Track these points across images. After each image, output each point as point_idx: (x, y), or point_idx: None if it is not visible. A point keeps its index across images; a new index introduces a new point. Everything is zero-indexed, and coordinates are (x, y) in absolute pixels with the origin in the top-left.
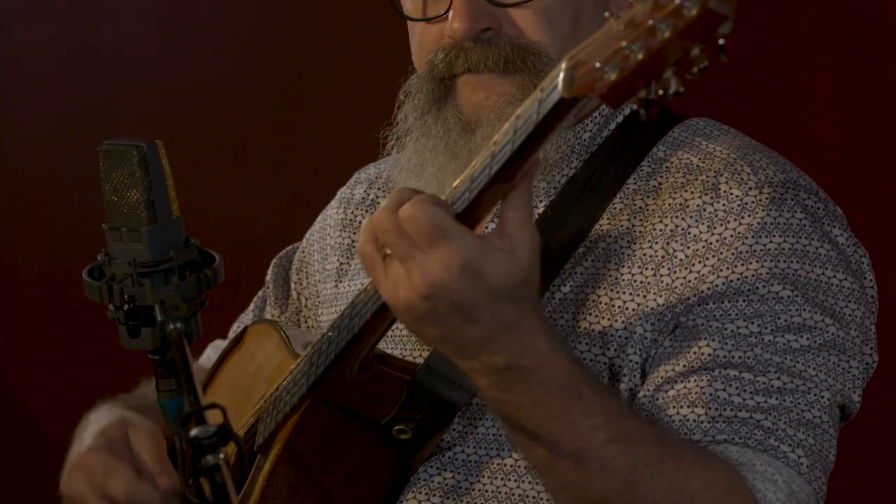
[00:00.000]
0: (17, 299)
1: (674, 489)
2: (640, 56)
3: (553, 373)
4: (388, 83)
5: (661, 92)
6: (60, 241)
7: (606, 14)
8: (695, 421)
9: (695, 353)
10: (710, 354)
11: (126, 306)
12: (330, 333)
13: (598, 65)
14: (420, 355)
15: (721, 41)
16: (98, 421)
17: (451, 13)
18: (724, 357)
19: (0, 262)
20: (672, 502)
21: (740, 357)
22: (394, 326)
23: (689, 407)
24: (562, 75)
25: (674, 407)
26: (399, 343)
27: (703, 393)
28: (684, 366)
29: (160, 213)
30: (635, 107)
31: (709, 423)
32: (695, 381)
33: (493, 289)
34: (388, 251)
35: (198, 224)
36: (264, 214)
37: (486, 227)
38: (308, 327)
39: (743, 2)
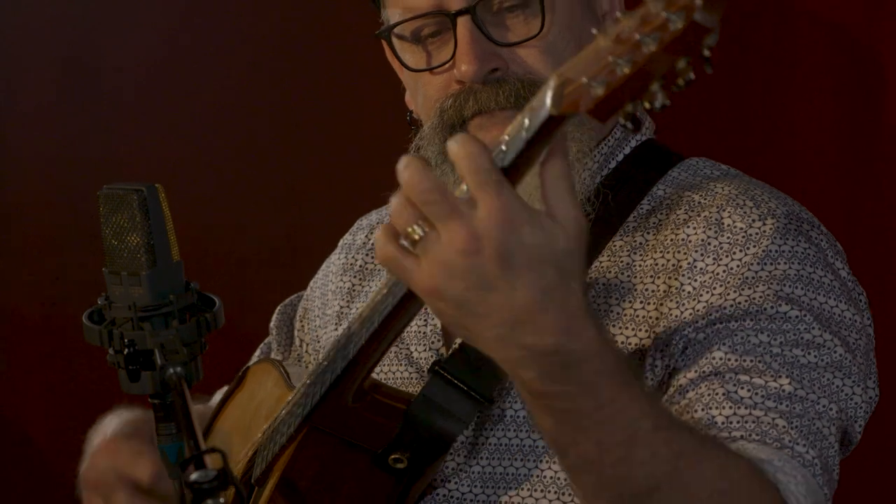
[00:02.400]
0: (17, 343)
1: (716, 475)
2: (626, 70)
3: (603, 358)
4: (399, 135)
5: (647, 105)
6: (60, 286)
7: (594, 30)
8: (709, 420)
9: (706, 360)
10: (720, 359)
11: (126, 350)
12: (325, 362)
13: (585, 80)
14: (416, 388)
15: (707, 53)
16: (120, 415)
17: (456, 57)
18: (735, 362)
19: (1, 308)
20: (714, 488)
21: (751, 362)
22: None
23: (703, 410)
24: (550, 92)
25: (687, 412)
26: (399, 385)
27: (716, 394)
28: (696, 372)
29: (160, 257)
30: (622, 119)
31: (724, 421)
32: (706, 385)
33: (538, 249)
34: (415, 236)
35: (198, 268)
36: (265, 259)
37: None
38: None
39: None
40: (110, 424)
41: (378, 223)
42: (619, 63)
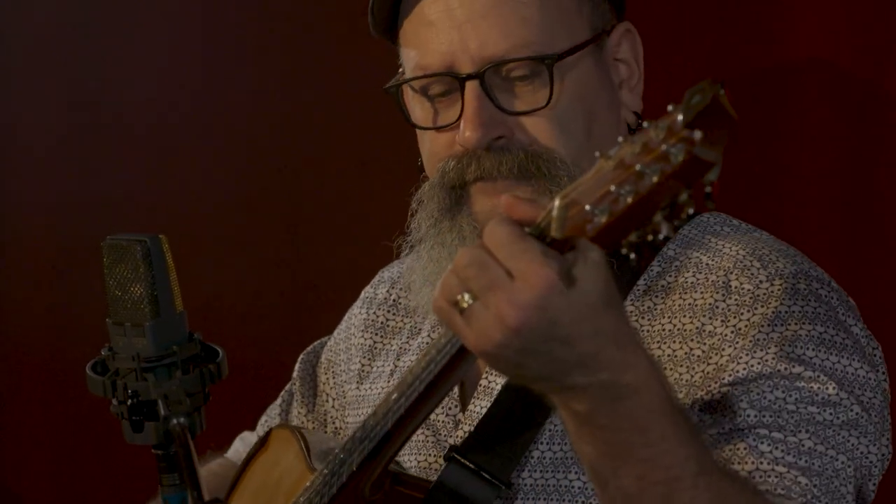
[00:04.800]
0: (19, 394)
1: None
2: (629, 200)
3: (654, 393)
4: (404, 188)
5: (650, 237)
6: (64, 337)
7: (597, 153)
8: None
9: (725, 418)
10: (740, 416)
11: (129, 401)
12: (342, 455)
13: (588, 207)
14: (437, 462)
15: (708, 189)
16: None
17: (462, 122)
18: (755, 417)
19: (2, 357)
20: None
21: (770, 418)
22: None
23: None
24: (555, 214)
25: None
26: (416, 450)
27: (738, 449)
28: (715, 430)
29: (163, 308)
30: (625, 250)
31: (747, 475)
32: (725, 440)
33: (587, 296)
34: (464, 304)
35: (201, 318)
36: (269, 309)
37: None
38: (335, 429)
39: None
40: None
41: (399, 276)
42: (621, 193)
